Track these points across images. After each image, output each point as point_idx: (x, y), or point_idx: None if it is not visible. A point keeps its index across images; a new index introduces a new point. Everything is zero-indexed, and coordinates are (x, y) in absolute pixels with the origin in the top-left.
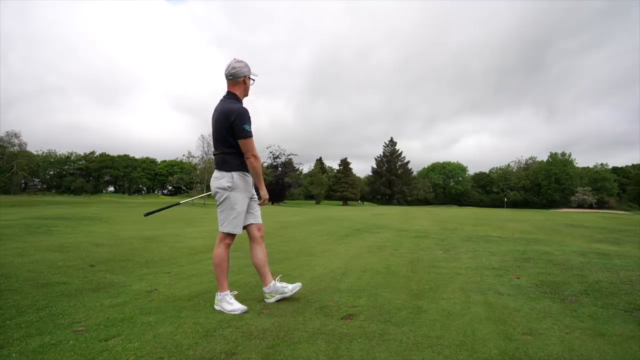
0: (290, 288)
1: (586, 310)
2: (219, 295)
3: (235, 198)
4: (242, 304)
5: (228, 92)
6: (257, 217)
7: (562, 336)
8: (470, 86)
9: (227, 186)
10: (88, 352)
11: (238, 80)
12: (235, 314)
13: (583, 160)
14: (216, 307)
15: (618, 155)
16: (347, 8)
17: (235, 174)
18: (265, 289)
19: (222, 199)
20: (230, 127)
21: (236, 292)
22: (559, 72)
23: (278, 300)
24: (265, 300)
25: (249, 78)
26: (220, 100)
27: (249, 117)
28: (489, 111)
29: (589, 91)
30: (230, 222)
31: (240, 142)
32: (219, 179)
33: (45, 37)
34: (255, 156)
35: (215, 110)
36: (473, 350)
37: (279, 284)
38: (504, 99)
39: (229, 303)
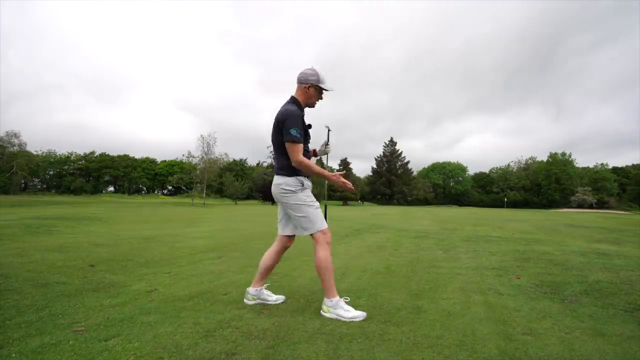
0: (274, 298)
1: (586, 310)
2: (330, 302)
3: (306, 196)
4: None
5: (292, 95)
6: (299, 230)
7: (562, 336)
8: (478, 84)
9: (292, 189)
10: (88, 352)
11: (301, 86)
12: (356, 321)
13: (590, 159)
14: (327, 315)
15: (626, 154)
16: (354, 2)
17: (299, 178)
18: (252, 291)
19: (291, 202)
20: (282, 130)
21: (348, 298)
22: (570, 69)
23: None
24: (245, 299)
25: (315, 87)
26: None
27: (300, 122)
28: (496, 110)
29: (598, 89)
30: (315, 219)
31: (286, 145)
32: (282, 185)
33: (45, 33)
34: (299, 162)
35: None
36: (473, 350)
37: (265, 292)
38: (512, 97)
39: (347, 310)
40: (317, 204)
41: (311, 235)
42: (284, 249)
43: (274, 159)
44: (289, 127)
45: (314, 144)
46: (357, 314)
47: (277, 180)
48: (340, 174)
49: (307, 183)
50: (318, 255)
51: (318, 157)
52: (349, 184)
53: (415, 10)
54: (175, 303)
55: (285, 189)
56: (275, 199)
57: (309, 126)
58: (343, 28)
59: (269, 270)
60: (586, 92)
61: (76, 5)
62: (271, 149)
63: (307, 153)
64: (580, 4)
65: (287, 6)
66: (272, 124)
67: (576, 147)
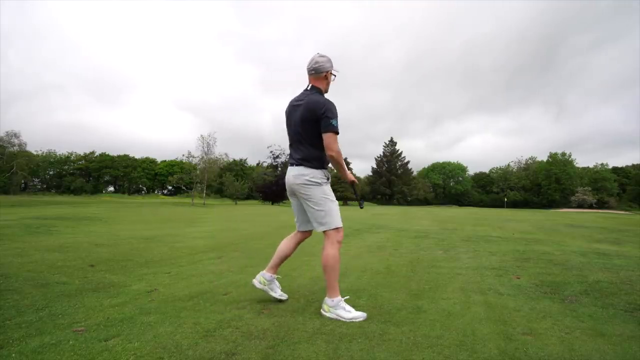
0: (279, 293)
1: (586, 310)
2: (331, 301)
3: (330, 190)
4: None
5: (312, 86)
6: (314, 225)
7: (562, 336)
8: (479, 84)
9: (318, 182)
10: (88, 352)
11: (320, 75)
12: (356, 322)
13: (590, 159)
14: (327, 315)
15: (626, 154)
16: (356, 2)
17: (324, 171)
18: (266, 275)
19: (317, 195)
20: (317, 121)
21: (347, 297)
22: (571, 68)
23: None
24: (254, 280)
25: (331, 73)
26: (302, 94)
27: (337, 113)
28: (497, 109)
29: (599, 89)
30: (334, 215)
31: (325, 136)
32: (308, 176)
33: (45, 33)
34: (339, 152)
35: (297, 103)
36: (473, 350)
37: (276, 283)
38: (513, 97)
39: (347, 311)
40: (336, 201)
41: (324, 232)
42: (301, 240)
43: (294, 150)
44: (330, 117)
45: None
46: (357, 315)
47: (302, 171)
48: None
49: (328, 178)
50: (327, 252)
51: None
52: (356, 181)
53: (416, 10)
54: (175, 303)
55: (312, 181)
56: (292, 192)
57: None
58: (344, 28)
59: (284, 258)
60: (587, 92)
61: (76, 5)
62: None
63: None
64: (581, 3)
65: (288, 6)
66: (297, 113)
67: (577, 147)
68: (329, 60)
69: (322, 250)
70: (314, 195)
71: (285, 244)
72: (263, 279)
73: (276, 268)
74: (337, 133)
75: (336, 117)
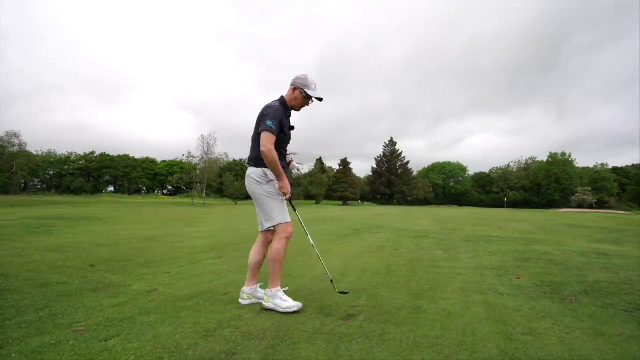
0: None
1: (586, 310)
2: (270, 291)
3: (272, 189)
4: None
5: (282, 95)
6: (262, 221)
7: (562, 336)
8: (481, 83)
9: (258, 180)
10: (88, 352)
11: (290, 87)
12: (290, 311)
13: (591, 159)
14: (266, 305)
15: (626, 154)
16: (357, 1)
17: (267, 170)
18: (247, 290)
19: (257, 192)
20: (259, 121)
21: (287, 288)
22: (572, 68)
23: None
24: (240, 300)
25: (300, 91)
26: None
27: (278, 116)
28: (498, 109)
29: (601, 88)
30: (277, 211)
31: (261, 134)
32: (250, 175)
33: (45, 33)
34: (269, 149)
35: None
36: (473, 350)
37: (260, 291)
38: (514, 97)
39: (284, 300)
40: (282, 197)
41: (274, 227)
42: (268, 242)
43: (250, 151)
44: (266, 118)
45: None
46: (293, 304)
47: (248, 170)
48: (288, 196)
49: (272, 177)
50: (273, 245)
51: (290, 169)
52: (287, 196)
53: (417, 10)
54: (175, 303)
55: (254, 179)
56: (247, 190)
57: (292, 128)
58: (345, 27)
59: (259, 265)
60: (588, 92)
61: (76, 4)
62: None
63: (283, 157)
64: (582, 3)
65: (289, 5)
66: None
67: (578, 147)
68: (304, 80)
69: (272, 243)
70: (255, 193)
71: (253, 254)
72: (246, 295)
73: (254, 279)
74: (269, 132)
75: (274, 119)
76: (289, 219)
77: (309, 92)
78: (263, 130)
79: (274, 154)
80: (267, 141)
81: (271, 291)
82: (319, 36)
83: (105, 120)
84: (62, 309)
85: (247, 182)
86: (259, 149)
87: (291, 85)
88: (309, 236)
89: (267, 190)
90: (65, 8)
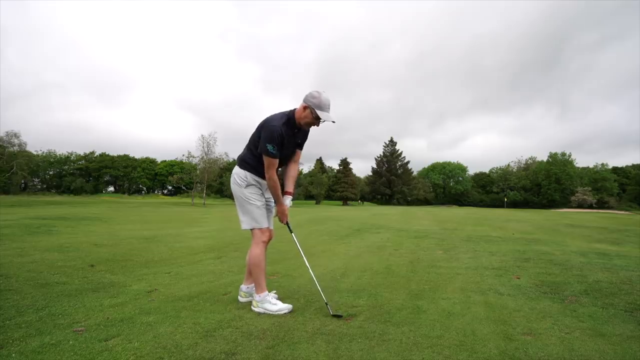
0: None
1: (586, 310)
2: (258, 297)
3: (250, 193)
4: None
5: (295, 108)
6: (269, 222)
7: (562, 336)
8: (483, 83)
9: (239, 182)
10: (88, 352)
11: (302, 104)
12: (281, 314)
13: (593, 159)
14: (256, 310)
15: (626, 154)
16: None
17: (249, 174)
18: (244, 287)
19: (236, 193)
20: (259, 134)
21: (275, 291)
22: (575, 68)
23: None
24: (239, 298)
25: (310, 110)
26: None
27: (275, 139)
28: (500, 109)
29: (602, 88)
30: (255, 216)
31: (263, 157)
32: (234, 174)
33: (45, 32)
34: (269, 178)
35: None
36: (473, 350)
37: None
38: (517, 96)
39: (273, 304)
40: (260, 203)
41: (251, 231)
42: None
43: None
44: (265, 141)
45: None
46: (282, 307)
47: (234, 169)
48: (284, 222)
49: (252, 181)
50: (250, 251)
51: (290, 197)
52: (284, 220)
53: (420, 9)
54: (175, 303)
55: (236, 180)
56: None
57: (301, 144)
58: (347, 26)
59: None
60: (590, 92)
61: (76, 3)
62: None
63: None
64: (586, 2)
65: (290, 4)
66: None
67: (579, 147)
68: (317, 99)
69: (249, 249)
70: (236, 193)
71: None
72: (244, 293)
73: (251, 278)
74: (270, 157)
75: (272, 142)
76: (264, 225)
77: (320, 115)
78: (264, 154)
79: (275, 179)
80: (268, 167)
81: (259, 297)
82: (320, 35)
83: (105, 120)
84: (62, 309)
85: (231, 180)
86: (250, 154)
87: (303, 102)
88: (304, 258)
89: (245, 193)
90: (65, 7)
